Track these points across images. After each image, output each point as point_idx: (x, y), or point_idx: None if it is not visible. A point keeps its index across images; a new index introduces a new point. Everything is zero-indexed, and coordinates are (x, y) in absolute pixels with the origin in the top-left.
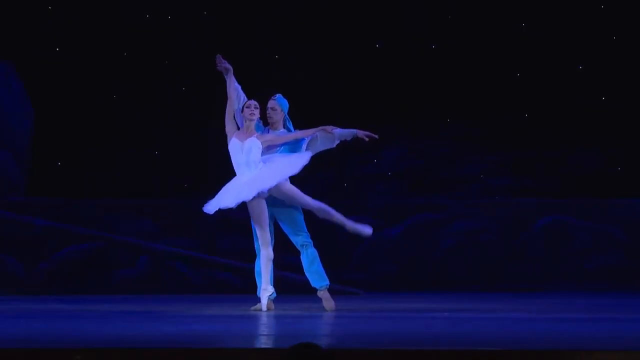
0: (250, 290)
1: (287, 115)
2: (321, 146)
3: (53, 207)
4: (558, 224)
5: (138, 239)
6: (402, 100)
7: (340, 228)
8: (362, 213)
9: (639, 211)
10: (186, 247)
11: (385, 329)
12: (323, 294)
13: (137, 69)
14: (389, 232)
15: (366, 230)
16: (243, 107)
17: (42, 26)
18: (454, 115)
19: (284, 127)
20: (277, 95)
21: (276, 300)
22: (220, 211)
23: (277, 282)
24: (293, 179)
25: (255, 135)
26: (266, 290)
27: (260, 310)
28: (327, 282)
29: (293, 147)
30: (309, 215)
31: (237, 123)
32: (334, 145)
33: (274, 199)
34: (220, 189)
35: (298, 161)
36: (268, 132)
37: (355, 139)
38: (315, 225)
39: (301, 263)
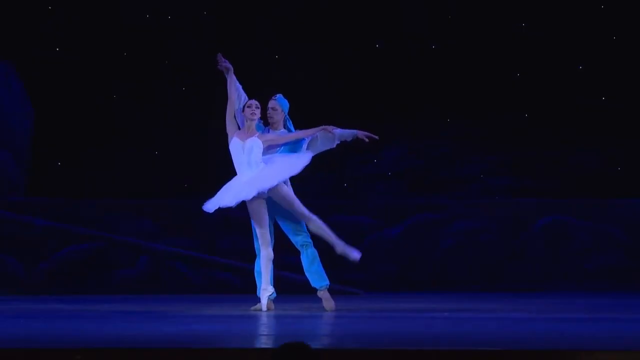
0: (250, 290)
1: (287, 116)
2: (321, 146)
3: (53, 207)
4: (558, 224)
5: (138, 239)
6: (402, 100)
7: (338, 229)
8: (362, 213)
9: (639, 211)
10: (186, 247)
11: (385, 329)
12: (323, 294)
13: (137, 69)
14: (389, 232)
15: (354, 254)
16: (244, 107)
17: (42, 26)
18: (454, 115)
19: (284, 127)
20: (278, 95)
21: (276, 300)
22: (220, 210)
23: (277, 282)
24: (294, 179)
25: (256, 134)
26: (266, 290)
27: (260, 310)
28: (327, 282)
29: (293, 147)
30: None
31: (237, 123)
32: (334, 146)
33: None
34: (220, 188)
35: (299, 161)
36: (268, 132)
37: (356, 140)
38: None
39: (301, 263)
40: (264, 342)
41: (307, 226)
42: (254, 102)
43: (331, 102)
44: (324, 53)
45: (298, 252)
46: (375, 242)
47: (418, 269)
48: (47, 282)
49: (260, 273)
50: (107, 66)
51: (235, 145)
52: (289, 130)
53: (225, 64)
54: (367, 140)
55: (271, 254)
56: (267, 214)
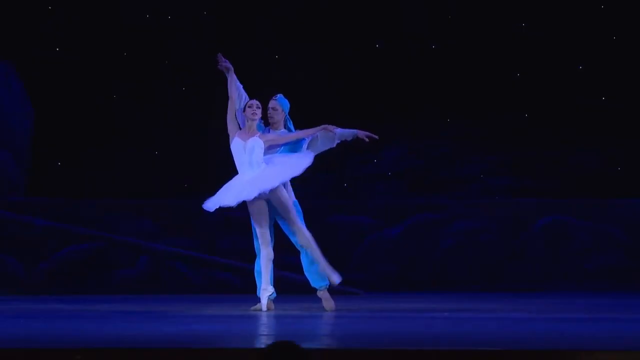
0: (250, 290)
1: (288, 116)
2: (321, 146)
3: (53, 207)
4: (558, 224)
5: (138, 239)
6: (402, 100)
7: (338, 229)
8: (362, 213)
9: (639, 211)
10: (186, 247)
11: (385, 329)
12: (323, 294)
13: (137, 69)
14: (389, 232)
15: (334, 277)
16: (245, 107)
17: (42, 26)
18: (454, 115)
19: (284, 127)
20: (278, 95)
21: (276, 300)
22: (220, 210)
23: (277, 282)
24: (294, 180)
25: (257, 134)
26: (266, 290)
27: (260, 310)
28: (327, 282)
29: (293, 147)
30: (309, 216)
31: (238, 123)
32: (334, 145)
33: None
34: (221, 188)
35: (301, 162)
36: (269, 132)
37: (356, 139)
38: (315, 225)
39: (301, 263)
40: (264, 342)
41: (297, 239)
42: (255, 102)
43: (331, 102)
44: (324, 53)
45: (298, 252)
46: (375, 242)
47: (418, 269)
48: (47, 282)
49: (260, 273)
50: (107, 66)
51: (237, 145)
52: (290, 130)
53: (225, 63)
54: (367, 140)
55: (271, 254)
56: (267, 214)
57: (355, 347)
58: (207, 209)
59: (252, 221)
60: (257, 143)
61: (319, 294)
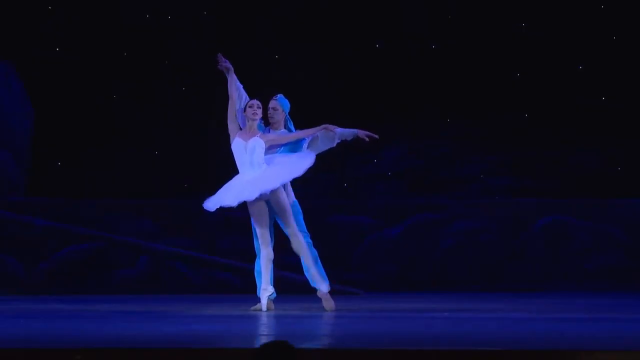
0: (250, 290)
1: (288, 116)
2: (322, 146)
3: (53, 207)
4: (558, 224)
5: (138, 239)
6: (402, 100)
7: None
8: (362, 213)
9: (639, 211)
10: (186, 247)
11: (385, 329)
12: (323, 294)
13: (137, 69)
14: (389, 232)
15: (324, 287)
16: (245, 107)
17: (42, 26)
18: (454, 115)
19: (284, 127)
20: (279, 95)
21: (276, 300)
22: (220, 210)
23: (277, 282)
24: (295, 180)
25: (258, 134)
26: (266, 290)
27: (260, 310)
28: (327, 282)
29: (294, 146)
30: (309, 216)
31: (239, 123)
32: (334, 145)
33: None
34: (221, 187)
35: (302, 163)
36: (269, 132)
37: (356, 139)
38: (315, 225)
39: (301, 263)
40: (264, 342)
41: (291, 242)
42: (256, 102)
43: (331, 102)
44: (324, 53)
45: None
46: (375, 242)
47: (418, 269)
48: (47, 282)
49: (260, 273)
50: (107, 66)
51: (238, 146)
52: (290, 130)
53: (225, 64)
54: (367, 139)
55: (271, 254)
56: (267, 214)
57: (355, 347)
58: (208, 209)
59: (252, 221)
60: (258, 143)
61: (319, 294)
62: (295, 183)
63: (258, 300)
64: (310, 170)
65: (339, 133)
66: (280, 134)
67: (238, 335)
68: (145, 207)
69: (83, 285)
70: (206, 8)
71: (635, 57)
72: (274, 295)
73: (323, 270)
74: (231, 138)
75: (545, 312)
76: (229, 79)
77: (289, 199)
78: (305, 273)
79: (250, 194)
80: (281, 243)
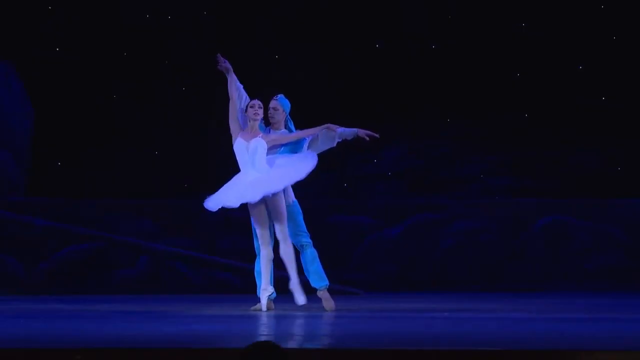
0: (250, 290)
1: (288, 116)
2: (322, 145)
3: (53, 207)
4: (558, 224)
5: (138, 239)
6: (402, 100)
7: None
8: (362, 213)
9: (639, 211)
10: (186, 247)
11: (385, 329)
12: (323, 294)
13: (137, 69)
14: (389, 232)
15: (301, 298)
16: (247, 107)
17: (42, 26)
18: (454, 115)
19: (285, 128)
20: (279, 95)
21: (276, 300)
22: (221, 210)
23: (277, 282)
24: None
25: (260, 135)
26: (266, 290)
27: (260, 310)
28: (327, 282)
29: (294, 146)
30: (309, 216)
31: (240, 123)
32: (335, 144)
33: None
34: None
35: (305, 166)
36: (269, 132)
37: (356, 139)
38: (315, 225)
39: (301, 263)
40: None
41: (279, 246)
42: (257, 102)
43: (331, 102)
44: (324, 53)
45: (298, 252)
46: (375, 242)
47: (418, 269)
48: (47, 282)
49: (260, 273)
50: (107, 66)
51: (240, 146)
52: (290, 130)
53: (225, 64)
54: (367, 139)
55: (271, 254)
56: (267, 215)
57: (355, 347)
58: (209, 208)
59: (252, 221)
60: (260, 144)
61: (319, 294)
62: (295, 183)
63: (258, 300)
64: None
65: (339, 132)
66: (282, 134)
67: (238, 335)
68: (145, 207)
69: (83, 285)
70: (206, 8)
71: (635, 57)
72: (274, 295)
73: (322, 269)
74: (233, 138)
75: (545, 312)
76: (228, 79)
77: (289, 199)
78: (306, 273)
79: (253, 196)
80: None
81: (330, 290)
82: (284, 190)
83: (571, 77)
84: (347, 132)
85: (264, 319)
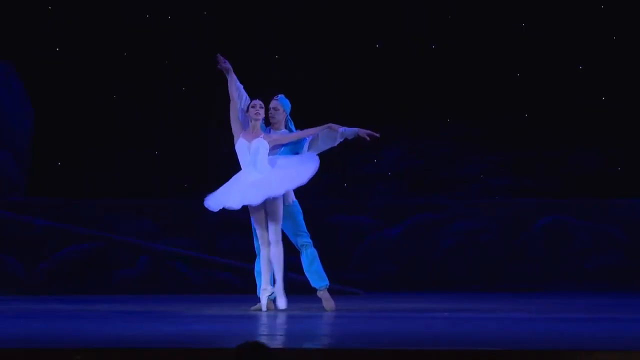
0: (250, 290)
1: (289, 116)
2: (322, 145)
3: (53, 207)
4: (558, 224)
5: (138, 239)
6: (402, 100)
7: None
8: (362, 213)
9: (639, 211)
10: (186, 247)
11: (385, 329)
12: (323, 294)
13: (137, 69)
14: (389, 232)
15: (281, 302)
16: (248, 107)
17: (42, 26)
18: (454, 115)
19: (285, 128)
20: (280, 95)
21: (276, 300)
22: (222, 210)
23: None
24: None
25: (261, 135)
26: (266, 290)
27: (260, 310)
28: (327, 282)
29: (295, 146)
30: (309, 216)
31: (241, 123)
32: (336, 144)
33: None
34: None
35: (307, 171)
36: (270, 132)
37: (357, 138)
38: (315, 225)
39: (301, 263)
40: (264, 342)
41: (270, 249)
42: (258, 102)
43: (331, 102)
44: (324, 53)
45: (298, 252)
46: (375, 242)
47: (418, 269)
48: (47, 282)
49: (260, 273)
50: (107, 66)
51: (241, 146)
52: (290, 131)
53: (225, 64)
54: (368, 138)
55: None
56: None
57: (355, 347)
58: (210, 208)
59: (253, 222)
60: (261, 144)
61: (319, 294)
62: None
63: (258, 300)
64: None
65: (341, 132)
66: (282, 134)
67: (238, 335)
68: (145, 207)
69: (83, 285)
70: (206, 8)
71: (635, 57)
72: (274, 295)
73: (322, 269)
74: (235, 138)
75: (545, 312)
76: (229, 79)
77: (289, 199)
78: (306, 273)
79: (255, 199)
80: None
81: (330, 290)
82: (285, 193)
83: (571, 77)
84: (348, 131)
85: (264, 319)
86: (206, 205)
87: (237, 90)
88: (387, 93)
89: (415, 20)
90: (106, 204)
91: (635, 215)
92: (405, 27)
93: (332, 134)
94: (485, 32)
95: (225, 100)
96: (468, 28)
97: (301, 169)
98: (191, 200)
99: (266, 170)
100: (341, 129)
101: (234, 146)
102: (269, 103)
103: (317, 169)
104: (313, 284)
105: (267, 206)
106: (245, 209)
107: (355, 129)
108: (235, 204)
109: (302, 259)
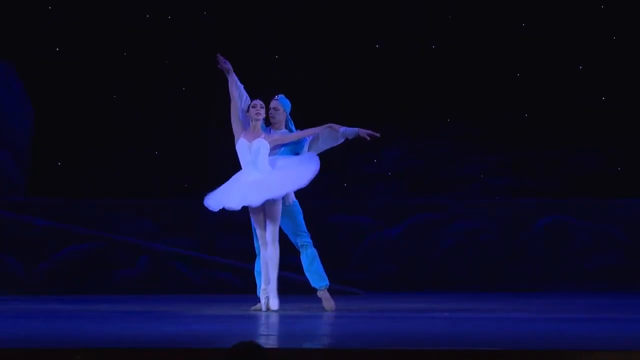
0: (250, 290)
1: (289, 116)
2: (323, 145)
3: (53, 207)
4: (558, 224)
5: (138, 239)
6: (402, 100)
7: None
8: (362, 213)
9: (639, 211)
10: (186, 247)
11: (385, 329)
12: (323, 294)
13: (137, 69)
14: (389, 232)
15: (274, 303)
16: (249, 107)
17: (42, 26)
18: (454, 115)
19: (285, 128)
20: (280, 95)
21: (269, 300)
22: (222, 210)
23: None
24: None
25: (262, 135)
26: (266, 291)
27: (260, 310)
28: (327, 282)
29: (295, 146)
30: (309, 216)
31: (241, 122)
32: (337, 144)
33: None
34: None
35: (307, 173)
36: (270, 132)
37: (357, 138)
38: (315, 225)
39: (301, 263)
40: (264, 342)
41: (266, 250)
42: (259, 102)
43: (331, 102)
44: (324, 53)
45: (298, 252)
46: (375, 242)
47: (418, 269)
48: (47, 282)
49: (260, 273)
50: (107, 66)
51: (242, 146)
52: (290, 131)
53: (225, 64)
54: (368, 138)
55: None
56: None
57: (355, 347)
58: (210, 207)
59: (252, 222)
60: (262, 144)
61: (319, 294)
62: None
63: (258, 300)
64: None
65: (342, 132)
66: (282, 134)
67: (238, 335)
68: (145, 207)
69: (83, 285)
70: (206, 8)
71: (635, 57)
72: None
73: (322, 269)
74: (236, 138)
75: (545, 312)
76: (229, 79)
77: (289, 199)
78: (306, 273)
79: (255, 200)
80: (281, 243)
81: (330, 290)
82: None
83: (571, 77)
84: (349, 131)
85: (264, 319)
86: (206, 205)
87: (237, 90)
88: (387, 93)
89: (415, 20)
90: (106, 204)
91: (635, 215)
92: (405, 27)
93: (332, 134)
94: (485, 32)
95: (225, 100)
96: (468, 28)
97: (301, 170)
98: (191, 200)
99: (267, 170)
100: (342, 129)
101: (234, 146)
102: (269, 103)
103: (317, 170)
104: (313, 284)
105: (266, 207)
106: (245, 209)
107: (356, 129)
108: (235, 204)
109: (302, 259)
